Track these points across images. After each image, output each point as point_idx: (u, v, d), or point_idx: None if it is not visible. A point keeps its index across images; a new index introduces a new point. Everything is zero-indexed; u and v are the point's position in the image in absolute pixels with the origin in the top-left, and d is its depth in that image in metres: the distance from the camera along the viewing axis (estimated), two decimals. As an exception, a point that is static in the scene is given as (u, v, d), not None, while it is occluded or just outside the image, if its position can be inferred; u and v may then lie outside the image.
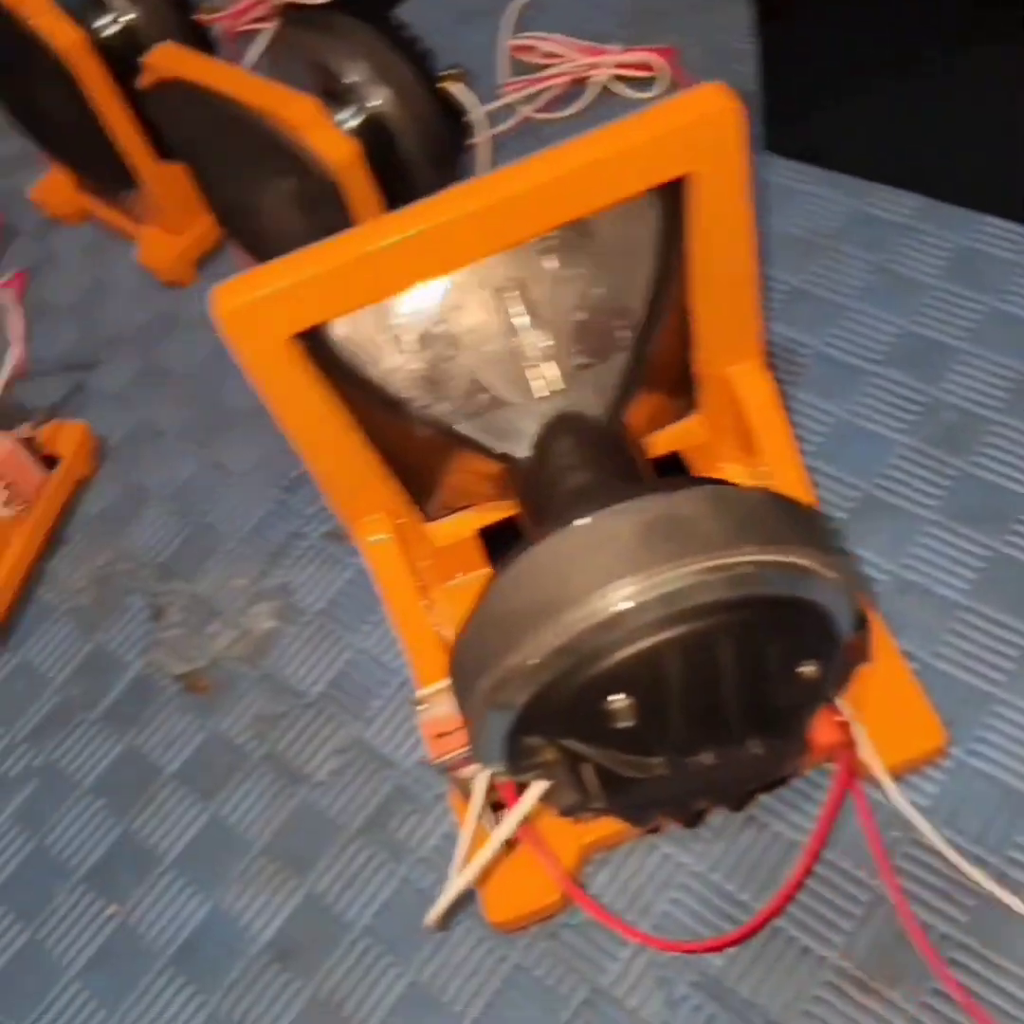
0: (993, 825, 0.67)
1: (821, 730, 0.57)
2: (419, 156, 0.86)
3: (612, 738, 0.51)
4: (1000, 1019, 0.62)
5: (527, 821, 0.59)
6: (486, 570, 0.79)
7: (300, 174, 0.78)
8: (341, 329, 0.62)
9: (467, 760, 0.68)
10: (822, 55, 0.91)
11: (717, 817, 0.71)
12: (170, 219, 1.08)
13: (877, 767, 0.62)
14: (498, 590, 0.52)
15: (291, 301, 0.59)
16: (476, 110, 0.91)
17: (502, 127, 1.07)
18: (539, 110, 1.09)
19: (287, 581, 0.90)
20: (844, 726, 0.59)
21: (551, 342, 0.61)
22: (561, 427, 0.61)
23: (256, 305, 0.58)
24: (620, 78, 1.10)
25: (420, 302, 0.62)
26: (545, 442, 0.61)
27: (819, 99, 0.94)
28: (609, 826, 0.68)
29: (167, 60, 0.83)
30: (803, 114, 0.97)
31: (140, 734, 0.85)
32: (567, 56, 1.10)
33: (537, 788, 0.53)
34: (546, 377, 0.61)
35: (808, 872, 0.68)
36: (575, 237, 0.61)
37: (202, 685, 0.86)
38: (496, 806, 0.70)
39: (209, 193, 0.94)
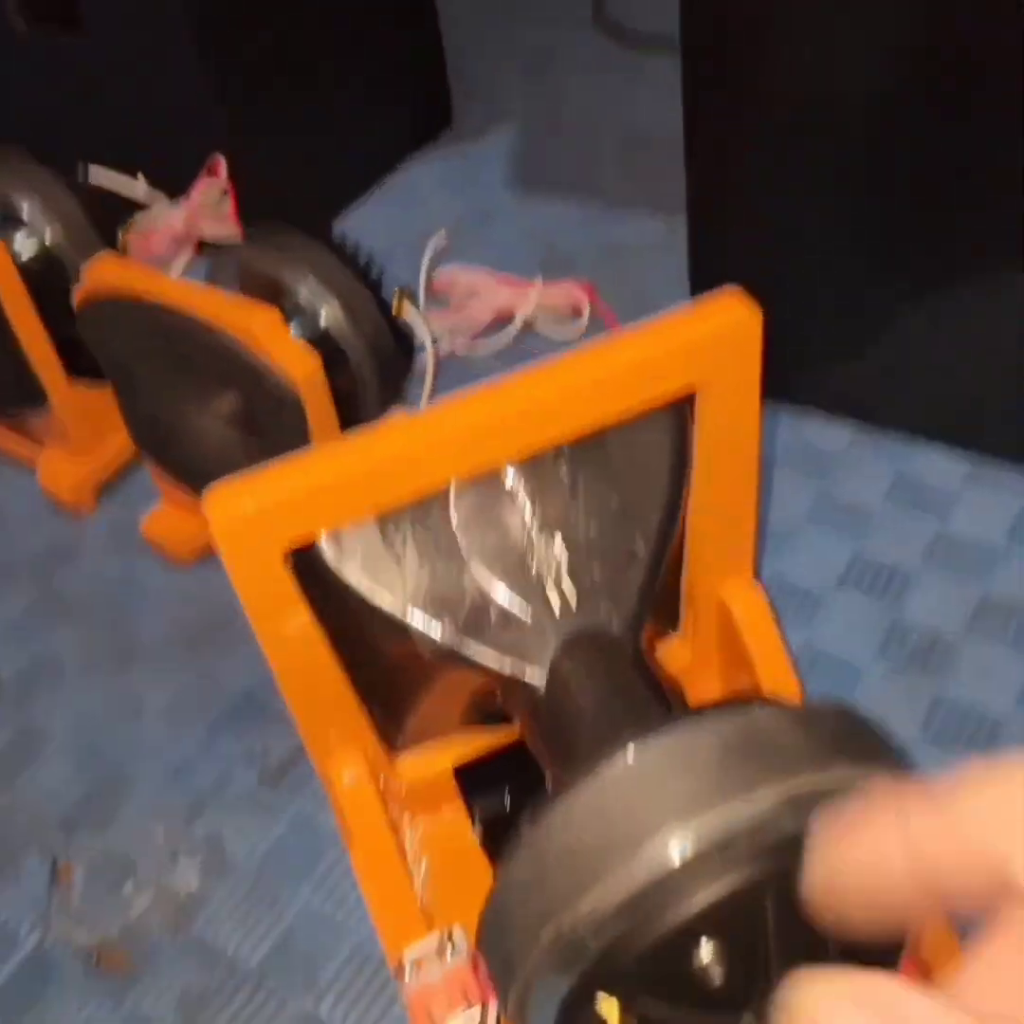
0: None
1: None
2: (368, 373, 0.83)
3: (699, 994, 0.44)
4: None
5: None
6: (457, 809, 0.72)
7: (256, 388, 0.75)
8: (333, 541, 0.57)
9: (466, 1036, 0.60)
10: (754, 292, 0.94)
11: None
12: (75, 442, 1.01)
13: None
14: (556, 826, 0.46)
15: (295, 510, 0.53)
16: (421, 331, 0.90)
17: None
18: (463, 344, 1.09)
19: (215, 832, 0.80)
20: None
21: (567, 555, 0.57)
22: (581, 645, 0.56)
23: (257, 514, 0.52)
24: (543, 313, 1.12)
25: (424, 513, 0.57)
26: (564, 662, 0.56)
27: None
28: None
29: (108, 271, 0.79)
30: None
31: (37, 1024, 0.72)
32: (488, 290, 1.12)
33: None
34: (563, 592, 0.57)
35: None
36: (590, 446, 0.58)
37: (115, 959, 0.74)
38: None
39: (133, 414, 0.88)
